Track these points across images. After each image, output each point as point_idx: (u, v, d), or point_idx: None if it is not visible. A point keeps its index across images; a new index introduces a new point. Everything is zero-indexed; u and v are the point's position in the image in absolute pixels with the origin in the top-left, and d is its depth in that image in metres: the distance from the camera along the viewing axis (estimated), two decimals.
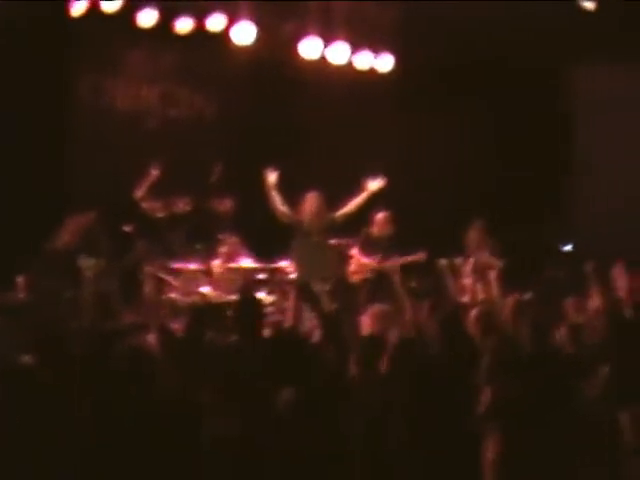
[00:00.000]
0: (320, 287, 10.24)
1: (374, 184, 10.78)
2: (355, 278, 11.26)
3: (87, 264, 9.75)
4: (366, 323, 7.66)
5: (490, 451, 6.38)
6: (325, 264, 10.55)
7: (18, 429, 5.26)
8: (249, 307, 7.20)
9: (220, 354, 6.55)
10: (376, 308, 7.86)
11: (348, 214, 10.73)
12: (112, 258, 10.30)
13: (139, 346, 6.15)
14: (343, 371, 6.45)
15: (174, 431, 5.35)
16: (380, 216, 11.32)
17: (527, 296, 8.48)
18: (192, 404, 5.58)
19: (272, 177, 10.49)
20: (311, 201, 10.53)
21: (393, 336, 7.41)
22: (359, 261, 11.30)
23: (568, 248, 13.36)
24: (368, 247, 11.34)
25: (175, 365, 6.14)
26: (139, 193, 11.19)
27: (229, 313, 8.92)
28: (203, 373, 6.05)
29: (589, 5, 12.40)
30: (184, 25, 12.05)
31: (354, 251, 11.34)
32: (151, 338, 6.86)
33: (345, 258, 11.36)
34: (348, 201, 10.72)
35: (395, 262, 10.89)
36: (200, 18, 12.13)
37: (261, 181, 10.67)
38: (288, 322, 10.13)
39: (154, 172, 11.20)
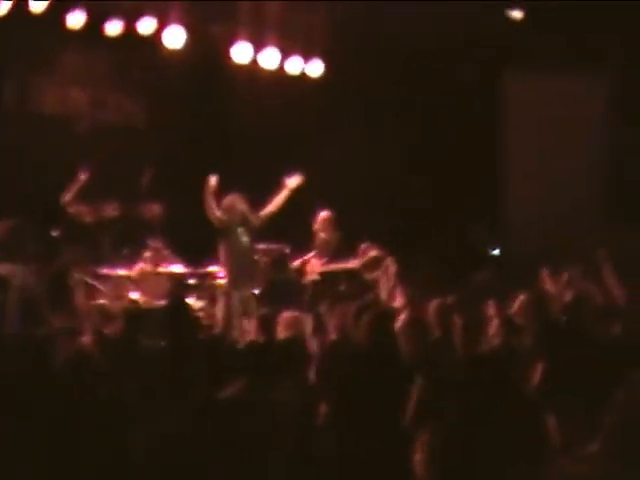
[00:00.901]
0: (248, 290, 10.22)
1: (293, 181, 10.82)
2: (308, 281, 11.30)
3: (8, 270, 9.59)
4: (280, 329, 7.66)
5: (420, 451, 6.43)
6: (254, 267, 10.52)
7: None
8: (178, 312, 7.17)
9: (153, 358, 6.52)
10: (288, 314, 7.87)
11: (270, 213, 10.73)
12: (40, 263, 10.16)
13: (78, 350, 6.07)
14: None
15: (110, 432, 5.29)
16: (322, 218, 11.26)
17: (452, 299, 8.54)
18: (127, 405, 5.53)
19: (212, 182, 10.44)
20: (234, 203, 10.50)
21: (314, 344, 7.46)
22: (312, 264, 11.31)
23: (496, 252, 13.49)
24: (322, 251, 11.35)
25: (111, 368, 6.08)
26: (67, 197, 11.05)
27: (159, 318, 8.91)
28: (137, 376, 6.01)
29: (517, 15, 12.59)
30: (114, 28, 11.93)
31: (310, 254, 11.31)
32: (85, 342, 6.79)
33: (282, 262, 11.35)
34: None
35: (335, 267, 10.94)
36: (131, 21, 12.02)
37: (191, 186, 10.61)
38: (217, 327, 10.08)
39: (82, 177, 11.07)
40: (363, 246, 11.12)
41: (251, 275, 10.45)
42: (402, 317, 7.74)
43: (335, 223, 11.12)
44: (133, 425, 5.40)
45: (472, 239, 13.46)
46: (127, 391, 5.78)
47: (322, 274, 11.20)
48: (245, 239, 10.43)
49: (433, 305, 8.38)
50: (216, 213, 10.45)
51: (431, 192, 13.38)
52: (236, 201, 10.46)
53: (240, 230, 10.41)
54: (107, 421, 5.34)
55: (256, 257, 10.97)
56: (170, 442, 5.42)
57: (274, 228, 10.98)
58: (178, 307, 7.40)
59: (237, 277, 10.45)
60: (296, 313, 7.93)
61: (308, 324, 7.82)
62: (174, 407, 5.74)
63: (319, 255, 11.19)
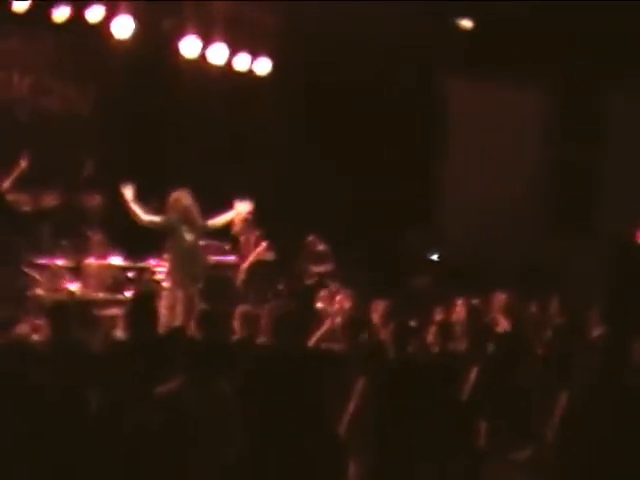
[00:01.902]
0: (192, 286, 10.15)
1: (242, 207, 10.76)
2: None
3: None
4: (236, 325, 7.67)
5: (354, 460, 6.46)
6: (198, 264, 10.43)
7: None
8: (142, 305, 7.13)
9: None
10: (241, 309, 7.87)
11: (216, 227, 10.64)
12: None
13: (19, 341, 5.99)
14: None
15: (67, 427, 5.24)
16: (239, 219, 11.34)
17: (390, 302, 8.61)
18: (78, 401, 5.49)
19: (129, 192, 10.20)
20: (179, 199, 10.34)
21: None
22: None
23: (434, 257, 13.58)
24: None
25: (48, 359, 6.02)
26: (6, 185, 10.88)
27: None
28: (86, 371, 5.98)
29: (466, 24, 12.69)
30: (61, 13, 11.76)
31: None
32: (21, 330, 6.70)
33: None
34: (219, 213, 10.62)
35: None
36: (79, 7, 11.87)
37: (132, 178, 10.48)
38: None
39: (22, 164, 10.91)
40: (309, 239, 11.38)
41: (194, 273, 10.32)
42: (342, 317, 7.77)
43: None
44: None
45: (409, 244, 13.51)
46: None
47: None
48: (189, 237, 10.29)
49: (380, 306, 8.44)
50: (144, 218, 10.20)
51: (364, 195, 13.36)
52: (182, 197, 10.29)
53: (184, 228, 10.25)
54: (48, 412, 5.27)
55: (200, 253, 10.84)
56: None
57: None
58: (144, 301, 7.36)
59: (181, 275, 10.32)
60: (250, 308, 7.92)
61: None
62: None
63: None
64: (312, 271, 11.72)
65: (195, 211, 10.34)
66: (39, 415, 5.34)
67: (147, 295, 8.28)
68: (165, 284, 10.73)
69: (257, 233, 11.55)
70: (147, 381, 6.13)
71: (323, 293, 10.66)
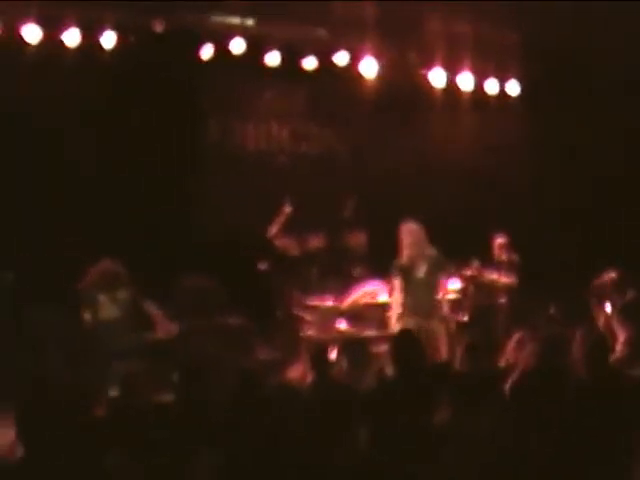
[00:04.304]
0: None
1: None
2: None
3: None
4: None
5: None
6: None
7: None
8: (409, 341, 7.21)
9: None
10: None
11: None
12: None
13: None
14: None
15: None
16: None
17: None
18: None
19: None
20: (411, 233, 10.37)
21: None
22: None
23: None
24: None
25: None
26: (273, 231, 11.27)
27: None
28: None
29: None
30: (310, 63, 12.24)
31: None
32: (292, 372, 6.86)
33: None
34: None
35: None
36: (326, 55, 12.28)
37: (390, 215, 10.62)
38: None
39: (286, 209, 11.27)
40: None
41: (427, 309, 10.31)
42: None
43: None
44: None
45: None
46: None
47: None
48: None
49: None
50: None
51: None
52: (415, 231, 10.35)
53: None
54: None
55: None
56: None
57: None
58: (408, 336, 7.44)
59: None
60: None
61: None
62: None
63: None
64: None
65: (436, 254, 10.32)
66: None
67: (411, 330, 8.29)
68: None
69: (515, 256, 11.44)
70: (417, 416, 6.15)
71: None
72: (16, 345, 9.27)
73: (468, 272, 11.31)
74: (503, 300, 11.55)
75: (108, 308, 9.44)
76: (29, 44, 10.91)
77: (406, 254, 10.30)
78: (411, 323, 9.97)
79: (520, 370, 7.04)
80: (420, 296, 10.21)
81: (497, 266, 11.52)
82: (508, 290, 11.48)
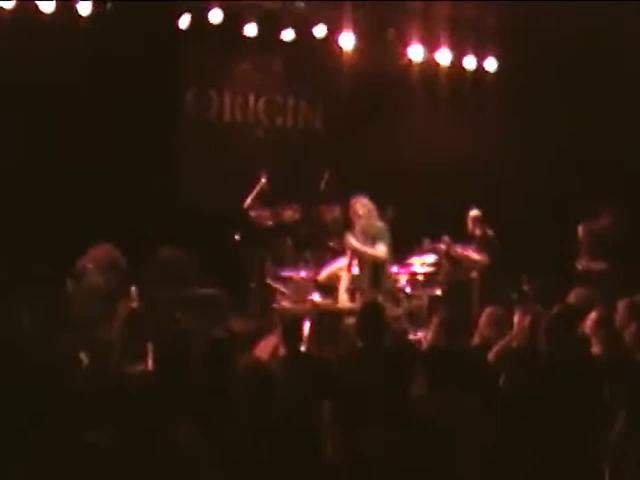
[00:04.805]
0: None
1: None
2: None
3: None
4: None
5: None
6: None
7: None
8: (373, 315, 7.22)
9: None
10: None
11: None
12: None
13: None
14: None
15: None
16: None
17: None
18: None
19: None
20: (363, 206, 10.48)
21: None
22: None
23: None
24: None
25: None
26: (248, 202, 11.27)
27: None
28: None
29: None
30: (289, 34, 12.23)
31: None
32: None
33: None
34: None
35: None
36: (303, 27, 12.25)
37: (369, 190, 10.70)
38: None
39: (262, 181, 11.27)
40: None
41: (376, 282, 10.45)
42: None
43: None
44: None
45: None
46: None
47: None
48: None
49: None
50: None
51: None
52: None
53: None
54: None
55: None
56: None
57: None
58: (373, 310, 7.45)
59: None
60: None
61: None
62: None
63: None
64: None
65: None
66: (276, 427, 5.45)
67: (374, 304, 8.28)
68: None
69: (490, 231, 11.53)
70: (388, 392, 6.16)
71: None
72: None
73: (441, 246, 11.38)
74: (475, 275, 11.62)
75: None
76: (3, 9, 10.83)
77: (357, 228, 10.43)
78: (360, 297, 10.09)
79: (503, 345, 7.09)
80: (370, 270, 10.32)
81: (471, 241, 11.59)
82: (481, 266, 11.53)
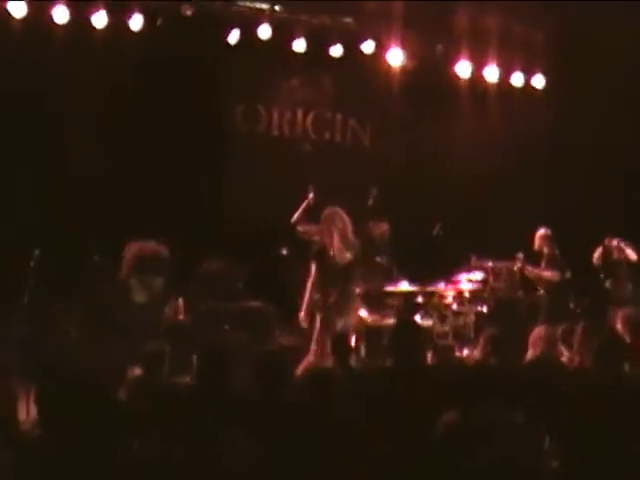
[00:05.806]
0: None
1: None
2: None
3: None
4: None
5: None
6: None
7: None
8: (407, 331, 7.15)
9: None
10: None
11: None
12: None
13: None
14: None
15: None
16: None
17: None
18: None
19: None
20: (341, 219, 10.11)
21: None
22: None
23: None
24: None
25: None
26: (296, 217, 11.28)
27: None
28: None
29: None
30: (337, 50, 12.32)
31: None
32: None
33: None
34: None
35: None
36: (352, 43, 12.33)
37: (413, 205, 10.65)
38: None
39: (310, 196, 11.28)
40: None
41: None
42: None
43: None
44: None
45: None
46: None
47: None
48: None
49: None
50: None
51: None
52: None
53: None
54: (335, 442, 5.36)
55: None
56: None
57: None
58: (406, 326, 7.38)
59: None
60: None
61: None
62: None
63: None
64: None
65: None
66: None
67: (409, 322, 8.20)
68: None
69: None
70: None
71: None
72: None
73: (515, 266, 11.34)
74: (522, 293, 11.59)
75: (138, 292, 9.47)
76: (58, 25, 10.98)
77: (331, 241, 9.87)
78: (320, 317, 9.49)
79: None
80: (338, 286, 9.70)
81: (540, 259, 11.53)
82: (549, 284, 11.47)
